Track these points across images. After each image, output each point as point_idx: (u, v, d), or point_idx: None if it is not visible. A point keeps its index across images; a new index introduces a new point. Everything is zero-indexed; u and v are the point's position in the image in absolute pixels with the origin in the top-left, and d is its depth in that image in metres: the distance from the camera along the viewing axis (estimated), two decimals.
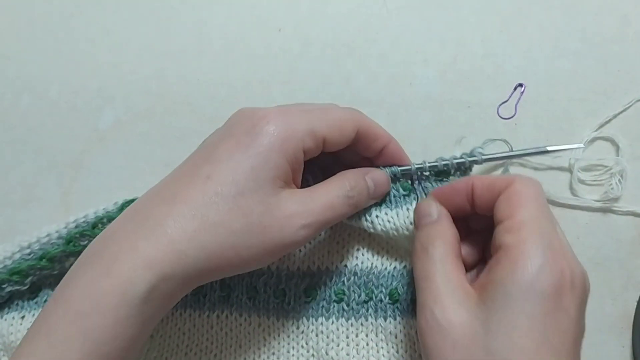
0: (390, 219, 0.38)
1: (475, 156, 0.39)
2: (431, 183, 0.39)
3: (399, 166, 0.39)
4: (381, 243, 0.40)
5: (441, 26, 0.47)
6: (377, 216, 0.38)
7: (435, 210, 0.35)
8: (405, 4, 0.48)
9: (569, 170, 0.43)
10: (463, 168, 0.39)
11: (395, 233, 0.38)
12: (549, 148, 0.40)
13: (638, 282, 0.41)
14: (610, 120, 0.43)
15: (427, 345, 0.31)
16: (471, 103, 0.45)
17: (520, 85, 0.44)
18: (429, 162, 0.39)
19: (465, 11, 0.47)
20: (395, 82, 0.46)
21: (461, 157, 0.38)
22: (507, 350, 0.28)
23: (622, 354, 0.40)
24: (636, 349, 0.39)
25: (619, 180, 0.41)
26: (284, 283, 0.40)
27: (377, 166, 0.39)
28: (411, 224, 0.37)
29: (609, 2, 0.46)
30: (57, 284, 0.41)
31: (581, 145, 0.41)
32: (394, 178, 0.39)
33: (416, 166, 0.39)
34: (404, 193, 0.39)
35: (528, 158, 0.43)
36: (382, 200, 0.38)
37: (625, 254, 0.41)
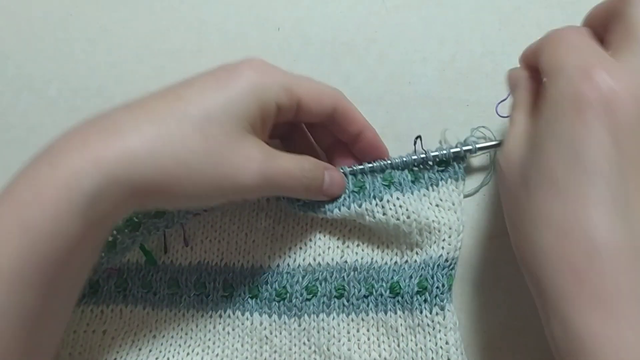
0: (402, 203, 0.39)
1: (469, 145, 0.40)
2: (435, 174, 0.41)
3: (383, 160, 0.40)
4: (381, 238, 0.40)
5: (440, 24, 0.47)
6: (388, 200, 0.39)
7: (514, 77, 0.37)
8: (404, 3, 0.48)
9: None
10: (460, 157, 0.40)
11: (407, 218, 0.38)
12: None
13: None
14: None
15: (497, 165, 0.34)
16: (470, 101, 0.45)
17: None
18: (432, 152, 0.40)
19: (464, 9, 0.47)
20: (394, 81, 0.46)
21: (457, 147, 0.40)
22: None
23: None
24: None
25: None
26: (286, 281, 0.40)
27: (353, 155, 0.40)
28: (413, 212, 0.39)
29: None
30: None
31: None
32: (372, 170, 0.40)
33: (422, 156, 0.40)
34: (412, 179, 0.40)
35: None
36: (391, 183, 0.39)
37: None
